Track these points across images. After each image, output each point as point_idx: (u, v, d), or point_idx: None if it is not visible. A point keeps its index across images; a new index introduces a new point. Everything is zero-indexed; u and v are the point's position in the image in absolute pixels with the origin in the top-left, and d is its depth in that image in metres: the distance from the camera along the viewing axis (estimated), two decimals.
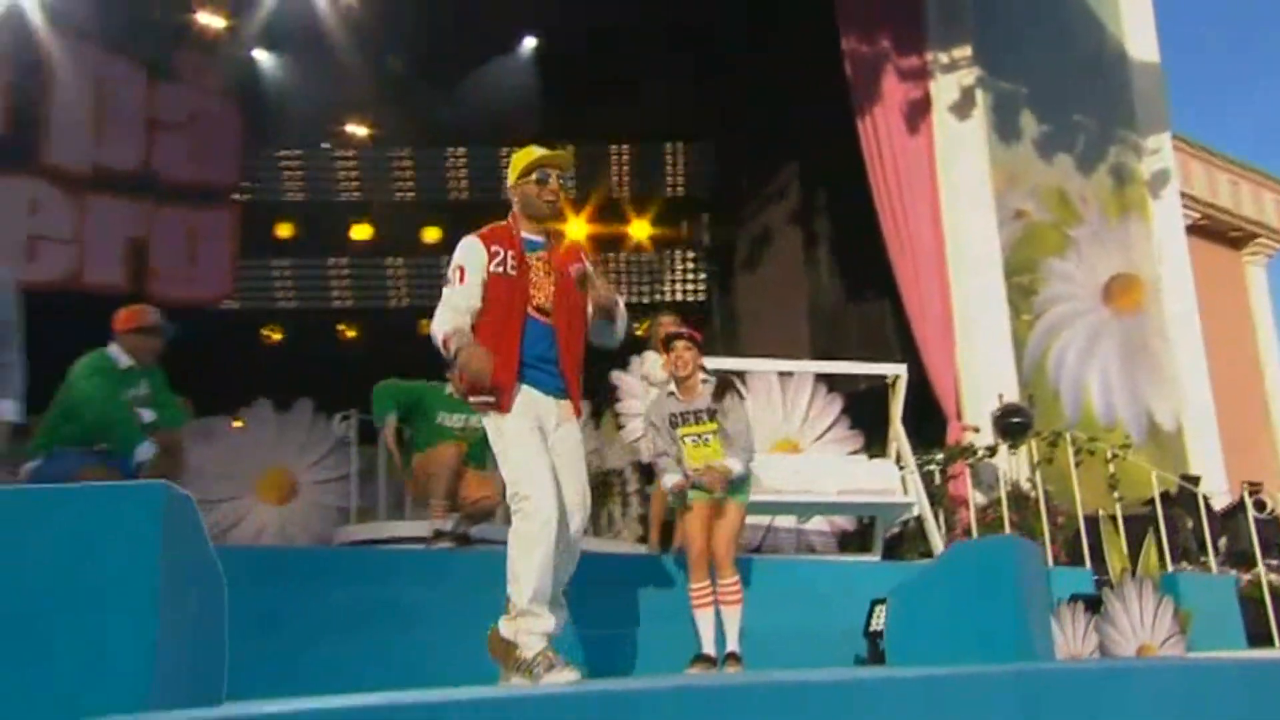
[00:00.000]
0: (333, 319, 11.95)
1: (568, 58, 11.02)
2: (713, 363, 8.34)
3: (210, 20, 10.79)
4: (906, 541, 8.11)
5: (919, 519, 7.54)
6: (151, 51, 11.03)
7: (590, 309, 3.77)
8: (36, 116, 10.31)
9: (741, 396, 5.09)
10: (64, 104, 10.33)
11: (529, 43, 11.41)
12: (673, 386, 4.84)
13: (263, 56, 11.29)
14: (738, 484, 4.66)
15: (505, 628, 3.51)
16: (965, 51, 9.30)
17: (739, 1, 9.42)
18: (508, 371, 3.55)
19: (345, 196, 11.85)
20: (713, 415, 4.69)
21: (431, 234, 11.76)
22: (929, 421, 8.87)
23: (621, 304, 3.88)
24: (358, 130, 12.20)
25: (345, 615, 4.01)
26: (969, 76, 9.26)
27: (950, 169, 9.12)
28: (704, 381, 4.78)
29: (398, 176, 11.94)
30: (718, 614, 4.43)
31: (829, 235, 10.17)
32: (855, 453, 8.93)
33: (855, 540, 8.84)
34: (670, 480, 4.76)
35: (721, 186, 11.00)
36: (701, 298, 10.99)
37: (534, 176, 3.68)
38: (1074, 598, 5.28)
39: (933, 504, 8.36)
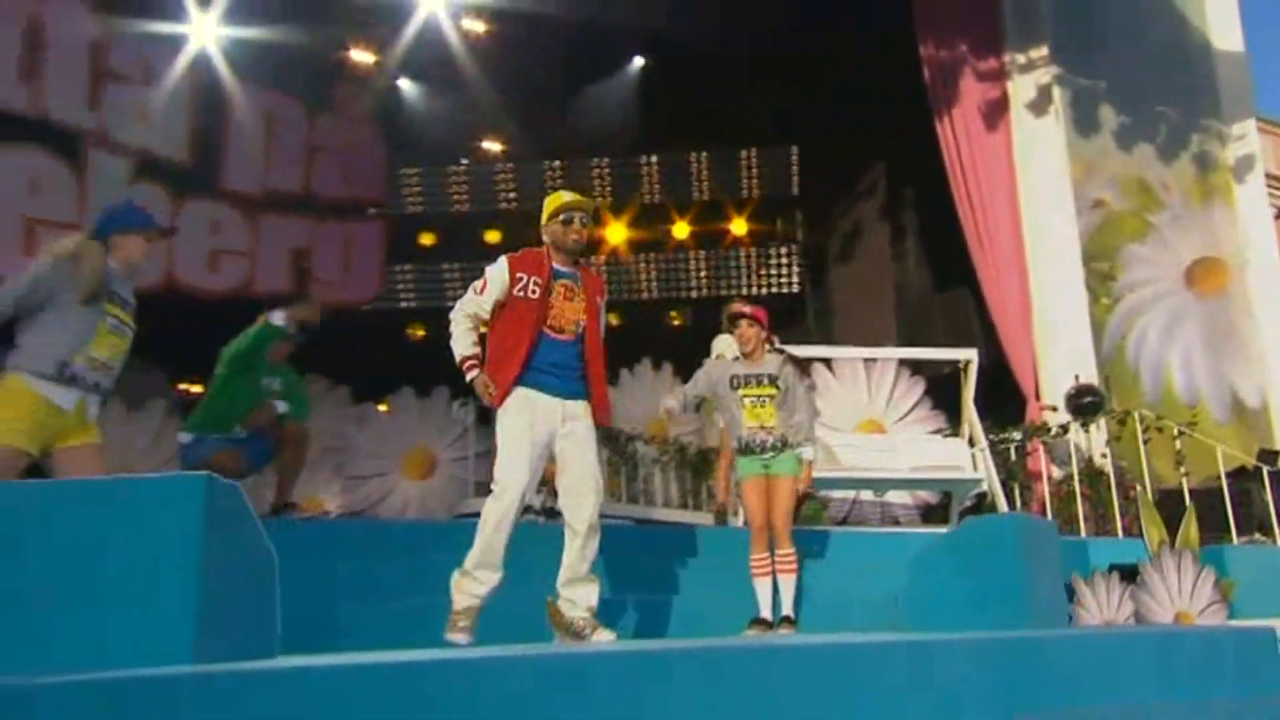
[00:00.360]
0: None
1: (671, 75, 11.32)
2: (803, 350, 8.77)
3: (361, 57, 11.58)
4: (982, 514, 8.36)
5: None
6: (310, 87, 11.86)
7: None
8: (218, 148, 11.22)
9: (804, 375, 5.25)
10: (239, 137, 11.23)
11: (637, 62, 11.79)
12: (741, 353, 5.06)
13: (403, 85, 12.02)
14: (789, 462, 4.83)
15: (453, 583, 3.77)
16: (1042, 51, 9.37)
17: (822, 16, 9.61)
18: (507, 375, 3.82)
19: (476, 207, 12.41)
20: (773, 381, 4.90)
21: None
22: (1011, 402, 9.11)
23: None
24: (491, 146, 12.72)
25: (439, 579, 4.10)
26: (1045, 75, 9.33)
27: (1028, 163, 9.21)
28: (769, 352, 5.02)
29: (520, 187, 12.42)
30: (775, 582, 4.63)
31: (914, 229, 10.35)
32: (936, 432, 9.22)
33: (938, 513, 9.14)
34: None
35: (814, 187, 11.12)
36: (796, 289, 11.19)
37: (561, 218, 3.91)
38: (1112, 568, 5.31)
39: (1009, 479, 8.66)
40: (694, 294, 11.60)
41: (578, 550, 3.86)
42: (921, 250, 10.23)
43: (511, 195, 12.47)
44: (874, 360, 9.18)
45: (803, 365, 5.37)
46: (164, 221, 4.59)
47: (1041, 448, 8.39)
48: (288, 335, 5.70)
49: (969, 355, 7.57)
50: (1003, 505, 7.33)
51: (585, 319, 3.91)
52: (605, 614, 4.24)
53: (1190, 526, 5.76)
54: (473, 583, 3.74)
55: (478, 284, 3.88)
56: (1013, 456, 8.57)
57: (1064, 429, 8.28)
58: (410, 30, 11.28)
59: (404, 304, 12.29)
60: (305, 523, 8.61)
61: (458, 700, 2.33)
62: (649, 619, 4.50)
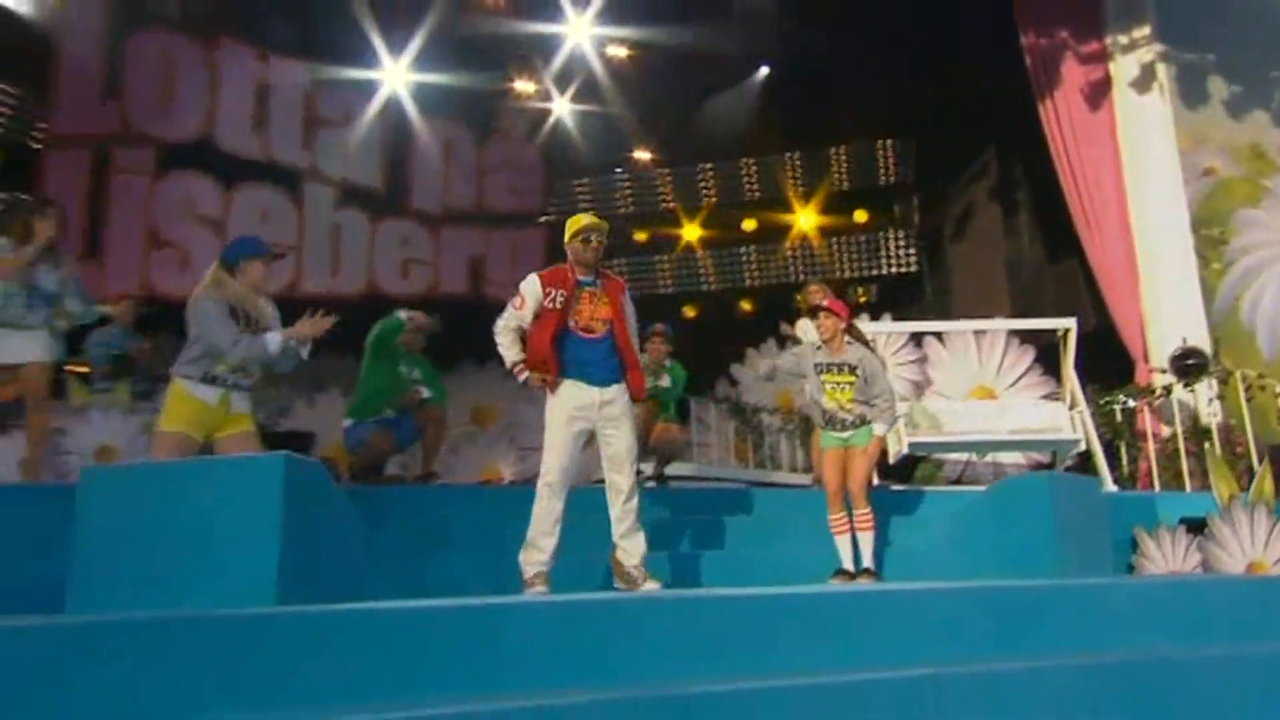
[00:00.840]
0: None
1: (793, 81, 11.57)
2: (914, 326, 8.99)
3: (523, 86, 12.50)
4: (1087, 472, 8.41)
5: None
6: (479, 117, 12.84)
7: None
8: (405, 175, 12.36)
9: (882, 365, 5.43)
10: (422, 164, 12.36)
11: (763, 71, 12.11)
12: (820, 344, 5.29)
13: (558, 107, 12.70)
14: (865, 435, 5.05)
15: (520, 558, 4.04)
16: (1144, 31, 9.18)
17: (928, 15, 9.78)
18: (552, 371, 4.11)
19: (627, 209, 13.01)
20: (852, 370, 5.12)
21: (690, 234, 12.90)
22: (1120, 366, 9.07)
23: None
24: (641, 155, 13.26)
25: (580, 535, 4.26)
26: (1149, 54, 9.14)
27: (1132, 138, 9.08)
28: (848, 343, 5.20)
29: (667, 190, 12.96)
30: (855, 538, 4.82)
31: (1025, 206, 10.35)
32: (1047, 396, 9.27)
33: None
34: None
35: (929, 174, 11.20)
36: (914, 269, 11.35)
37: (580, 238, 4.16)
38: (1182, 521, 5.35)
39: (1115, 439, 8.66)
40: (821, 276, 11.92)
41: (621, 506, 4.13)
42: (1031, 226, 10.19)
43: (657, 198, 13.06)
44: (983, 331, 9.32)
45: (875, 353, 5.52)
46: (274, 248, 4.87)
47: (1147, 408, 8.38)
48: (405, 328, 6.00)
49: (1068, 324, 7.60)
50: (1101, 463, 7.32)
51: (610, 316, 4.17)
52: (710, 565, 4.71)
53: (1264, 480, 5.65)
54: (535, 551, 4.02)
55: (515, 300, 4.14)
56: (1118, 417, 8.59)
57: (1168, 390, 8.25)
58: (561, 60, 12.13)
59: None
60: (483, 488, 9.57)
61: (515, 639, 2.60)
62: (749, 570, 4.65)
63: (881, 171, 11.72)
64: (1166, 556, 5.28)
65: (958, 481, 9.42)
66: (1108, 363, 9.05)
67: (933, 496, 6.12)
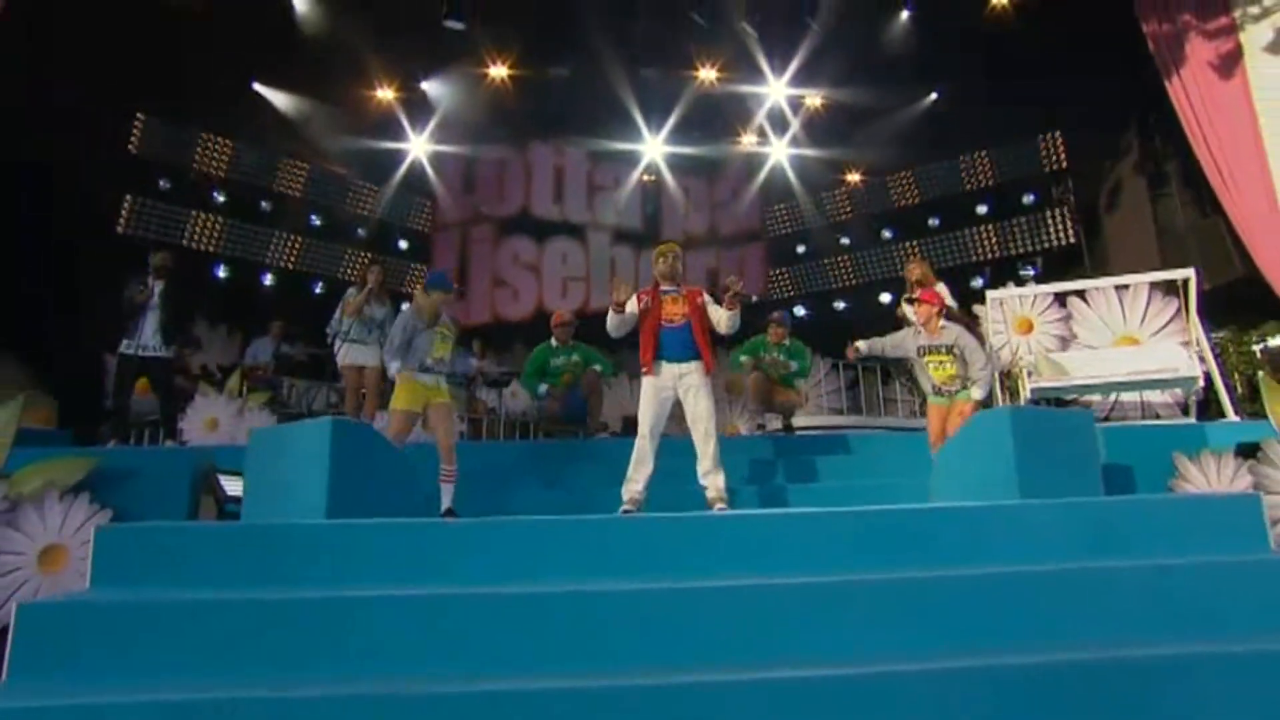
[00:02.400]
0: (828, 299, 13.21)
1: (956, 98, 11.70)
2: (1055, 286, 8.90)
3: (748, 139, 13.24)
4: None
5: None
6: (716, 167, 13.80)
7: (717, 317, 4.51)
8: (656, 216, 13.65)
9: (978, 337, 5.36)
10: (669, 205, 13.55)
11: (931, 96, 12.27)
12: (920, 326, 5.27)
13: (768, 149, 13.36)
14: (965, 394, 5.06)
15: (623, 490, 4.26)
16: None
17: (1058, 26, 9.59)
18: (648, 354, 4.38)
19: (833, 219, 13.29)
20: (949, 350, 5.10)
21: (884, 234, 13.03)
22: (1272, 310, 8.31)
23: (734, 316, 4.47)
24: (846, 176, 13.54)
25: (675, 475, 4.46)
26: None
27: (1268, 99, 8.26)
28: (943, 327, 5.14)
29: (865, 201, 13.17)
30: None
31: (1170, 176, 9.63)
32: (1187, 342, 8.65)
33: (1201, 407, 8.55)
34: (859, 344, 5.22)
35: (1080, 157, 10.66)
36: (1072, 241, 10.77)
37: (659, 257, 4.58)
38: (1238, 446, 4.79)
39: (1256, 373, 7.95)
40: (991, 256, 11.83)
41: (701, 450, 4.31)
42: (1178, 192, 9.51)
43: (857, 207, 13.32)
44: (1126, 288, 8.96)
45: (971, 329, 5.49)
46: (454, 282, 5.09)
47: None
48: (568, 325, 6.42)
49: (1186, 274, 7.36)
50: (1223, 397, 6.92)
51: (688, 313, 4.45)
52: (822, 493, 4.84)
53: None
54: (631, 484, 4.26)
55: (627, 305, 4.51)
56: (1256, 354, 7.93)
57: None
58: (769, 112, 12.98)
59: (784, 294, 13.56)
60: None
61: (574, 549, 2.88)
62: (852, 497, 4.57)
63: (1038, 162, 11.25)
64: (1210, 479, 4.82)
65: (1105, 419, 9.10)
66: (1255, 309, 8.35)
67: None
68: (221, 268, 10.90)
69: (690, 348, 4.43)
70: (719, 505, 4.25)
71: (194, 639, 2.40)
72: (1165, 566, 2.86)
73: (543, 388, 6.29)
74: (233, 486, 4.64)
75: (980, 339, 5.47)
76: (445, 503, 4.44)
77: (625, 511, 4.18)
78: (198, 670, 2.32)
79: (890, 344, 5.45)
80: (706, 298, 4.61)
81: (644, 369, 4.44)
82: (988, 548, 3.04)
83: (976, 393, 4.97)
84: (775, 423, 7.19)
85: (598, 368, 6.33)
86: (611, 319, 4.53)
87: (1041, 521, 3.18)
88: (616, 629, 2.46)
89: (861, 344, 5.36)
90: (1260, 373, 6.97)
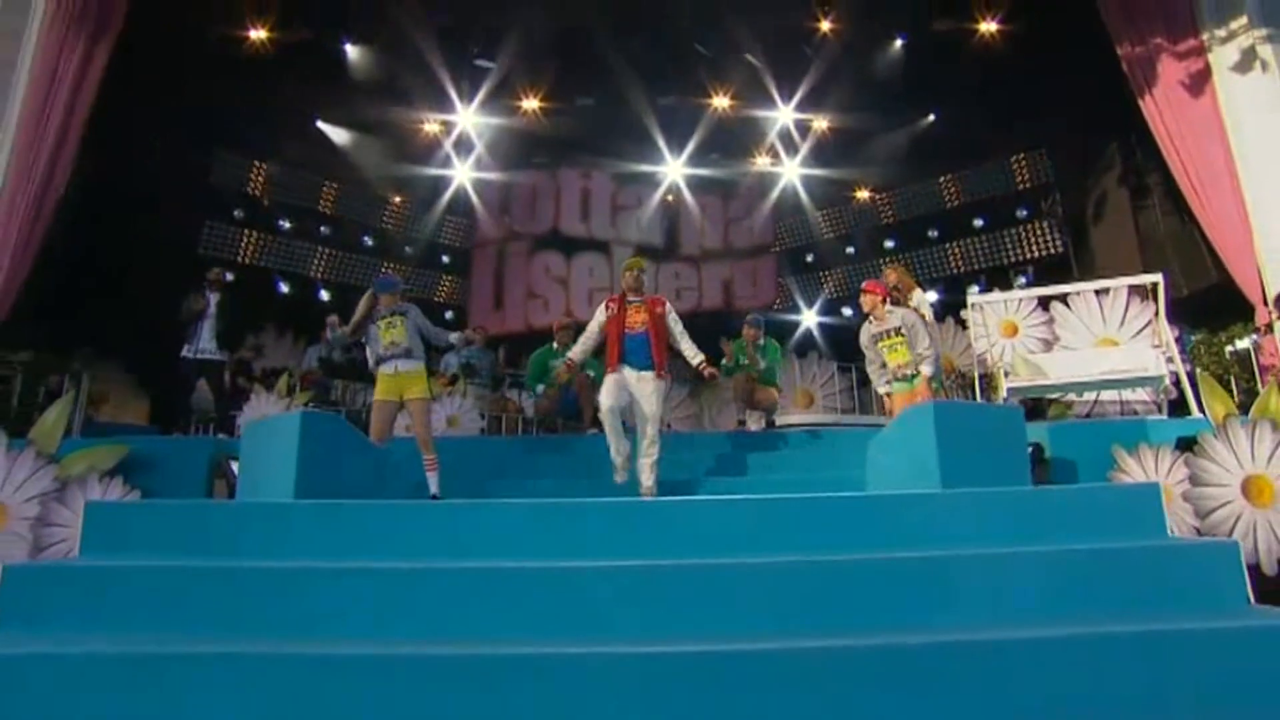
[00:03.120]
0: (836, 305, 13.28)
1: (951, 118, 11.58)
2: (1038, 291, 8.83)
3: (761, 160, 13.26)
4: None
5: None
6: (731, 186, 13.75)
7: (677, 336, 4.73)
8: (674, 232, 13.82)
9: (921, 317, 5.50)
10: (688, 223, 13.73)
11: (930, 117, 12.14)
12: (871, 318, 5.40)
13: (781, 169, 13.42)
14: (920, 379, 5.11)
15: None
16: (1241, 20, 8.15)
17: (1038, 51, 9.55)
18: (613, 358, 4.58)
19: (832, 235, 13.42)
20: (898, 331, 5.26)
21: (886, 244, 13.03)
22: (1243, 313, 8.14)
23: (697, 359, 4.68)
24: (859, 193, 13.52)
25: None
26: (1248, 39, 8.11)
27: (1238, 116, 8.08)
28: (889, 311, 5.31)
29: (865, 216, 13.15)
30: None
31: (1151, 188, 9.47)
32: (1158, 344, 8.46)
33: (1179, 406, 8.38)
34: (882, 389, 5.39)
35: (1066, 172, 10.53)
36: (1060, 250, 10.66)
37: (626, 270, 4.80)
38: (1178, 440, 4.66)
39: (1226, 373, 7.79)
40: (985, 265, 11.72)
41: (643, 450, 4.56)
42: (1157, 203, 9.37)
43: (858, 223, 13.38)
44: (1105, 292, 8.85)
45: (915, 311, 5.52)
46: (400, 283, 5.08)
47: (1249, 343, 7.53)
48: (570, 330, 6.59)
49: (1155, 279, 7.21)
50: (1189, 395, 6.67)
51: (647, 321, 4.66)
52: (793, 483, 4.80)
53: (1270, 397, 4.66)
54: (613, 453, 4.61)
55: (596, 316, 4.84)
56: (1227, 356, 7.78)
57: (1269, 327, 7.37)
58: (778, 135, 13.02)
59: (793, 303, 13.69)
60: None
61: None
62: (812, 487, 4.61)
63: (1026, 177, 11.18)
64: (1148, 471, 4.74)
65: (1087, 416, 8.98)
66: (1230, 312, 8.18)
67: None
68: (283, 283, 11.44)
69: (647, 355, 4.61)
70: (648, 497, 4.43)
71: (153, 599, 2.51)
72: (1064, 552, 2.75)
73: (540, 387, 6.50)
74: None
75: (922, 318, 5.42)
76: (432, 489, 4.56)
77: (620, 481, 4.51)
78: (154, 625, 2.43)
79: (871, 360, 5.46)
80: (667, 307, 4.76)
81: (608, 368, 4.64)
82: (892, 534, 2.98)
83: (926, 369, 5.00)
84: (760, 422, 7.26)
85: (590, 373, 6.38)
86: (590, 331, 4.84)
87: (949, 509, 3.10)
88: (539, 600, 2.51)
89: (882, 387, 5.35)
90: (1201, 371, 6.89)
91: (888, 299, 5.46)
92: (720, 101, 12.63)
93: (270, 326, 11.49)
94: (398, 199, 12.74)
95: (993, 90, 10.36)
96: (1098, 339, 9.01)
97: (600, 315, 4.82)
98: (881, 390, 5.37)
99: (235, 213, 11.07)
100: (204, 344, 6.43)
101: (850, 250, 13.38)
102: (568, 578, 2.56)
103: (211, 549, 2.87)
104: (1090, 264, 10.22)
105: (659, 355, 4.64)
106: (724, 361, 6.90)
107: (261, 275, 11.09)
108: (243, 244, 11.01)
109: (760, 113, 12.78)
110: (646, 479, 4.54)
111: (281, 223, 11.54)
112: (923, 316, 5.91)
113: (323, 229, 11.94)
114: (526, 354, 11.54)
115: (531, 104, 12.41)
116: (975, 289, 11.42)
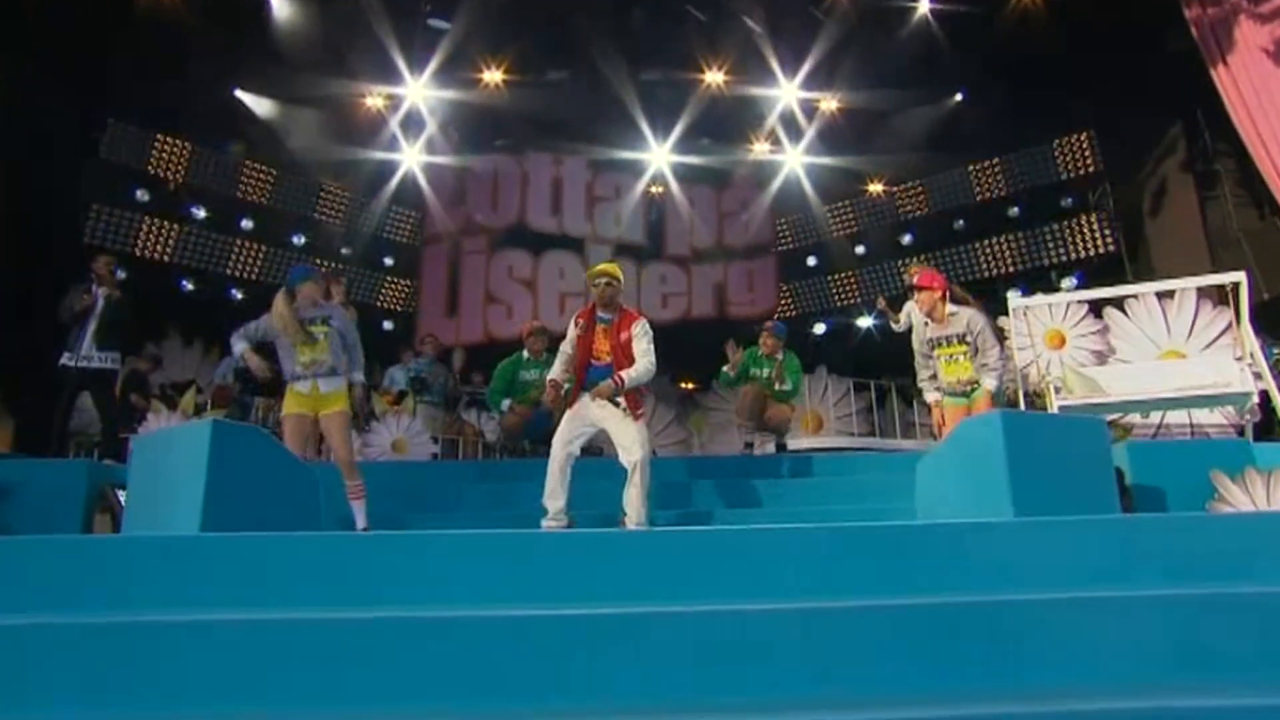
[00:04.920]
0: (850, 314, 12.88)
1: (981, 100, 11.33)
2: (1088, 294, 8.43)
3: (759, 147, 12.99)
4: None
5: None
6: (725, 176, 13.53)
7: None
8: (661, 229, 13.35)
9: (989, 321, 5.21)
10: (676, 218, 13.31)
11: (957, 97, 11.86)
12: (928, 320, 5.11)
13: (782, 156, 13.03)
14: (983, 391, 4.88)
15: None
16: None
17: (1081, 22, 9.21)
18: (576, 387, 4.41)
19: (846, 232, 13.00)
20: (961, 339, 4.96)
21: (904, 239, 12.56)
22: None
23: (626, 384, 4.29)
24: (862, 186, 13.15)
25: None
26: None
27: None
28: (951, 315, 5.00)
29: (875, 211, 12.82)
30: None
31: (1222, 175, 9.14)
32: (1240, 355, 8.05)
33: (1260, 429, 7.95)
34: (929, 398, 5.13)
35: (1118, 157, 10.14)
36: (1112, 249, 10.22)
37: (592, 283, 4.44)
38: None
39: None
40: (1023, 266, 11.29)
41: (629, 477, 4.27)
42: (1231, 192, 8.96)
43: (873, 218, 12.96)
44: (1170, 296, 8.40)
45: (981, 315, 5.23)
46: (321, 272, 4.90)
47: None
48: (541, 334, 6.45)
49: (1237, 278, 6.79)
50: None
51: (613, 349, 4.38)
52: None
53: None
54: (548, 504, 4.28)
55: (567, 334, 4.59)
56: None
57: None
58: (781, 117, 12.62)
59: (801, 309, 13.22)
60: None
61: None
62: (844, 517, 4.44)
63: (1070, 165, 10.74)
64: (1256, 500, 4.55)
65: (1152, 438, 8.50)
66: None
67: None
68: (188, 281, 10.69)
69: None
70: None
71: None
72: (1186, 597, 2.50)
73: (506, 402, 6.16)
74: None
75: (986, 318, 5.15)
76: (359, 522, 4.24)
77: (548, 527, 4.18)
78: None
79: (921, 366, 5.15)
80: (636, 329, 4.42)
81: (570, 402, 4.38)
82: (967, 572, 2.75)
83: (989, 382, 4.75)
84: (768, 445, 6.94)
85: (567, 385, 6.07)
86: (563, 348, 4.57)
87: (1034, 542, 2.87)
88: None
89: (933, 396, 5.11)
90: None
91: (948, 296, 5.15)
92: (714, 77, 12.24)
93: (173, 333, 10.74)
94: (334, 186, 12.07)
95: (1030, 64, 10.00)
96: (1161, 352, 8.56)
97: (571, 331, 4.54)
98: (929, 399, 5.12)
99: (135, 195, 10.30)
100: (88, 350, 5.96)
101: (861, 250, 12.94)
102: (561, 628, 2.26)
103: (85, 599, 2.57)
104: (1147, 265, 9.83)
105: (627, 395, 4.35)
106: (725, 370, 6.59)
107: (163, 272, 10.33)
108: (141, 233, 10.22)
109: (760, 90, 12.35)
110: (634, 512, 4.22)
111: (192, 210, 10.78)
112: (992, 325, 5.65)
113: (243, 220, 11.21)
114: (486, 368, 11.07)
115: (494, 76, 11.94)
116: (1016, 293, 10.96)
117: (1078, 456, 3.71)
